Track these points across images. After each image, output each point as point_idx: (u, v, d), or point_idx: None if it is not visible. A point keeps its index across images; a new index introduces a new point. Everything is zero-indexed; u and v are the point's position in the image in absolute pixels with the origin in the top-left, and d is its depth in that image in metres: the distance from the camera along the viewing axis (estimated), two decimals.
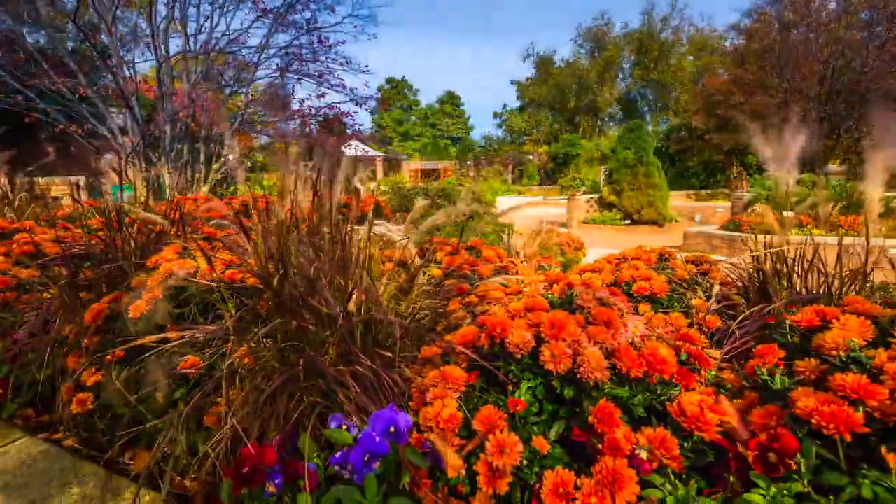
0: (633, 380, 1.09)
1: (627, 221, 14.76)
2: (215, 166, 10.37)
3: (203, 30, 9.58)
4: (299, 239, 1.53)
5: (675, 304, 1.67)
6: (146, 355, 1.46)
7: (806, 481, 0.84)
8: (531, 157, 33.67)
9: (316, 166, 1.85)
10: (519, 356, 1.12)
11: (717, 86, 21.87)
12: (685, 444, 1.04)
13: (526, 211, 18.00)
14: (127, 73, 9.17)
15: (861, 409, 0.85)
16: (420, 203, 1.90)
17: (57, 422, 1.73)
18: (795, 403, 0.90)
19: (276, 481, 1.02)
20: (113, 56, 8.75)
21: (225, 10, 10.01)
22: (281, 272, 1.33)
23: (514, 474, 0.98)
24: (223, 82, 10.88)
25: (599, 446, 0.95)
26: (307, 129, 12.27)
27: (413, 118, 45.60)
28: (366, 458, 0.96)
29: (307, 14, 10.90)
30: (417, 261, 1.61)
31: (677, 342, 1.33)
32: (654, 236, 13.16)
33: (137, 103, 8.82)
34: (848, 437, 0.80)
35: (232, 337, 1.24)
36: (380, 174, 28.49)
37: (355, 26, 11.58)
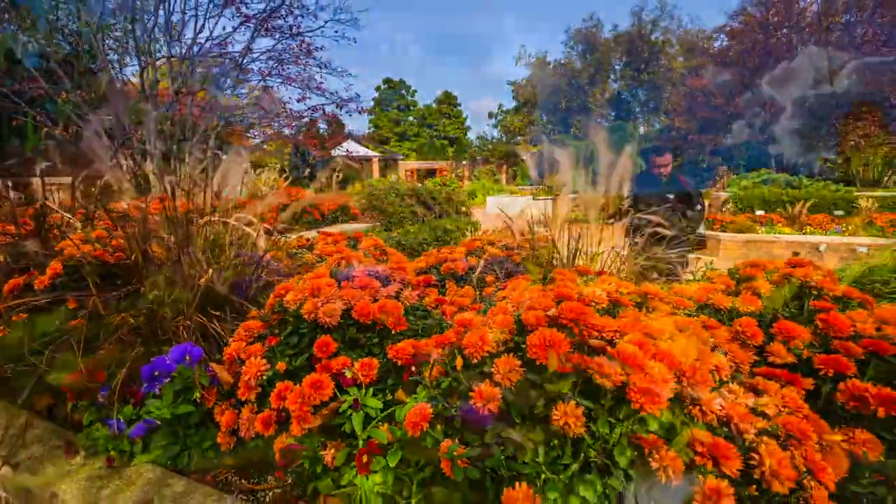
0: (368, 326, 1.51)
1: (612, 221, 15.11)
2: (199, 167, 10.82)
3: (184, 37, 10.04)
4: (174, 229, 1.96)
5: (474, 279, 2.08)
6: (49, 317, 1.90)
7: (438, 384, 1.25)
8: (525, 157, 34.02)
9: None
10: (291, 309, 1.54)
11: (700, 87, 22.26)
12: (403, 371, 1.47)
13: (514, 209, 18.46)
14: (114, 76, 9.63)
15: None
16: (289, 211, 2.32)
17: None
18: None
19: (103, 393, 1.45)
20: (99, 59, 9.22)
21: (208, 16, 10.47)
22: (141, 252, 1.76)
23: (262, 387, 1.40)
24: (208, 85, 11.33)
25: (318, 367, 1.37)
26: (294, 132, 12.76)
27: (410, 118, 45.98)
28: (156, 374, 1.38)
29: (290, 20, 11.36)
30: (261, 248, 2.03)
31: (445, 305, 1.75)
32: None
33: (123, 105, 9.27)
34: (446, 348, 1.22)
35: (94, 297, 1.66)
36: (376, 174, 28.95)
37: (336, 31, 12.04)
